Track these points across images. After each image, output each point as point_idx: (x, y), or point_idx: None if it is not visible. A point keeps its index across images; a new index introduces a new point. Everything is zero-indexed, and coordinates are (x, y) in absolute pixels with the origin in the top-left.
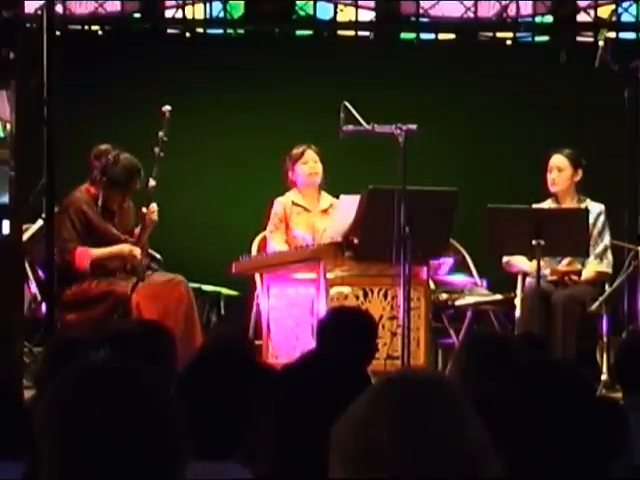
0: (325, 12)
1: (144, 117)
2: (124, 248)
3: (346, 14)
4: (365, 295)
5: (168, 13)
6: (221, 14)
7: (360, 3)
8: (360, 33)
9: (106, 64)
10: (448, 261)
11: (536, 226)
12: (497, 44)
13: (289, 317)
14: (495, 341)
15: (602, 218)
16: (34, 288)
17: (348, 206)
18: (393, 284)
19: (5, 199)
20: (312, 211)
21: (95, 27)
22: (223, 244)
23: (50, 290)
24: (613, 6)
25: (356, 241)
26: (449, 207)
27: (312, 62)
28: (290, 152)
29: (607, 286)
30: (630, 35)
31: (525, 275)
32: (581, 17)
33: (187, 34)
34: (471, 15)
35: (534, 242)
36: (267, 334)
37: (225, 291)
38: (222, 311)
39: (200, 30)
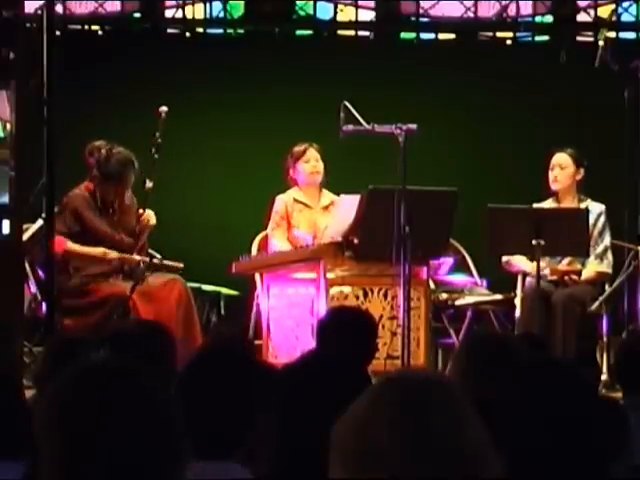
0: (325, 12)
1: (144, 117)
2: (97, 251)
3: (346, 14)
4: (365, 295)
5: (168, 13)
6: (221, 14)
7: (360, 3)
8: (360, 33)
9: (106, 64)
10: (448, 261)
11: (536, 226)
12: (497, 44)
13: (289, 317)
14: (495, 341)
15: (602, 218)
16: (34, 288)
17: (348, 206)
18: (393, 284)
19: (5, 199)
20: (313, 208)
21: (95, 27)
22: (223, 244)
23: (50, 290)
24: (613, 6)
25: (356, 241)
26: (449, 207)
27: (312, 62)
28: (291, 150)
29: (607, 286)
30: (630, 35)
31: (525, 275)
32: (581, 17)
33: (187, 34)
34: (471, 15)
35: (534, 242)
36: (267, 334)
37: (225, 291)
38: (222, 311)
39: (200, 30)
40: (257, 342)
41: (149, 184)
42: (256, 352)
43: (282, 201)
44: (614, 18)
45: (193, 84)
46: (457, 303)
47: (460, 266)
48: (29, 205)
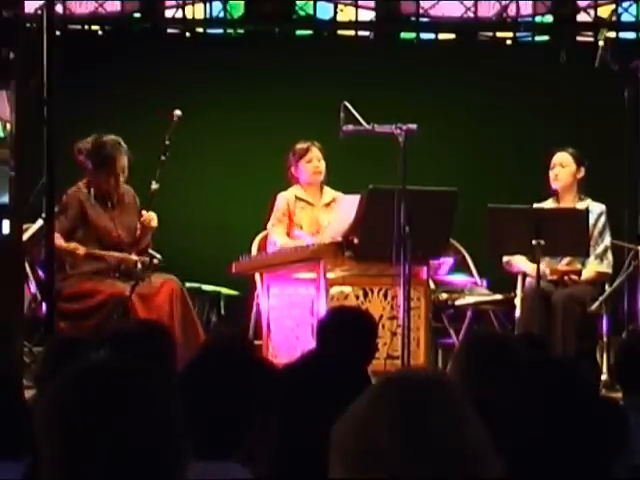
0: (325, 12)
1: (144, 117)
2: (69, 246)
3: (346, 14)
4: (365, 295)
5: (168, 13)
6: (221, 14)
7: (360, 3)
8: (360, 33)
9: (106, 64)
10: (448, 261)
11: (536, 226)
12: (497, 44)
13: (289, 317)
14: (495, 341)
15: (603, 219)
16: (34, 288)
17: (348, 206)
18: (393, 284)
19: (5, 199)
20: (315, 206)
21: (95, 27)
22: (223, 244)
23: (50, 290)
24: (613, 6)
25: (356, 241)
26: (449, 207)
27: (312, 62)
28: (293, 147)
29: (607, 286)
30: (630, 35)
31: (525, 275)
32: (581, 17)
33: (187, 34)
34: (471, 15)
35: (534, 242)
36: (267, 334)
37: (225, 291)
38: (222, 311)
39: (200, 30)
40: (257, 342)
41: (155, 186)
42: (256, 352)
43: (284, 198)
44: (614, 18)
45: (193, 84)
46: (457, 303)
47: (460, 266)
48: (29, 205)
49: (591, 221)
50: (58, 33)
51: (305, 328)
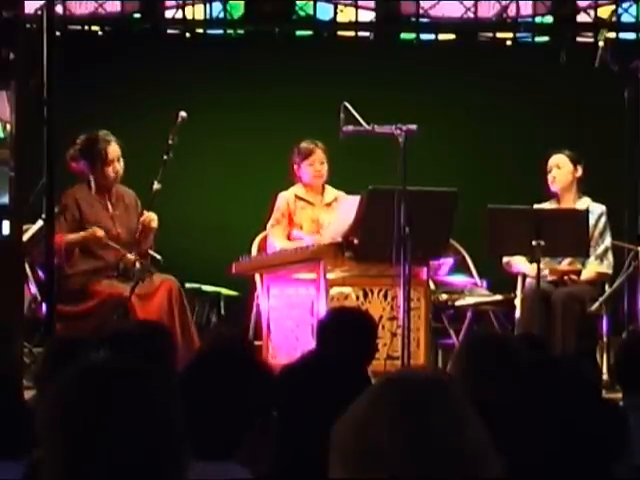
0: (325, 12)
1: (144, 117)
2: (87, 232)
3: (346, 14)
4: (365, 295)
5: (168, 13)
6: (221, 14)
7: (360, 3)
8: (360, 33)
9: (106, 64)
10: (448, 261)
11: (536, 226)
12: (497, 44)
13: (289, 317)
14: (495, 341)
15: (603, 219)
16: (34, 288)
17: (348, 206)
18: (393, 284)
19: (5, 199)
20: (316, 205)
21: (95, 27)
22: (223, 244)
23: (50, 290)
24: (613, 6)
25: (356, 241)
26: (449, 207)
27: (312, 62)
28: (298, 146)
29: (607, 286)
30: (630, 35)
31: (525, 276)
32: (581, 17)
33: (187, 34)
34: (471, 15)
35: (534, 242)
36: (267, 334)
37: (225, 291)
38: (222, 311)
39: (200, 30)
40: (257, 343)
41: (157, 186)
42: (256, 353)
43: (284, 198)
44: (614, 19)
45: (193, 84)
46: (457, 304)
47: (460, 267)
48: (29, 205)
49: (591, 222)
50: (58, 33)
51: (305, 329)
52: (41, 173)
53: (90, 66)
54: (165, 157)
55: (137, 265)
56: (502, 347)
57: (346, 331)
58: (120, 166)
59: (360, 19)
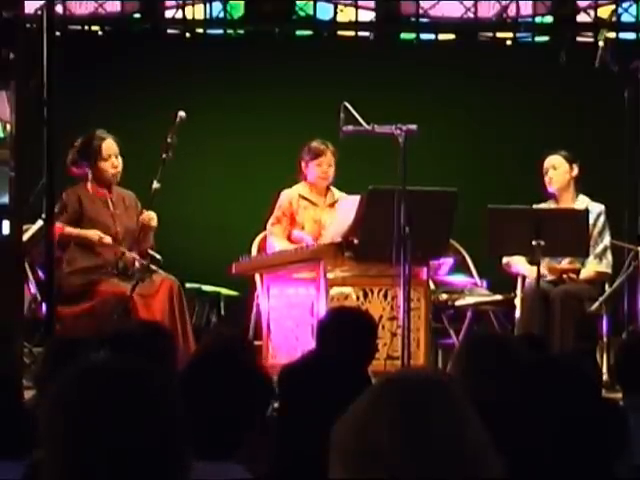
0: (325, 12)
1: (144, 117)
2: (93, 234)
3: (346, 14)
4: (365, 295)
5: (168, 13)
6: (221, 14)
7: (360, 3)
8: (360, 33)
9: (106, 64)
10: (448, 261)
11: (536, 226)
12: (497, 44)
13: (289, 317)
14: (495, 341)
15: (602, 218)
16: (34, 288)
17: (348, 207)
18: (393, 284)
19: (5, 199)
20: (319, 206)
21: (95, 27)
22: (223, 244)
23: (50, 290)
24: (613, 6)
25: (356, 241)
26: (449, 207)
27: (312, 62)
28: (309, 144)
29: (607, 286)
30: (630, 35)
31: (525, 276)
32: (581, 17)
33: (187, 34)
34: (471, 15)
35: (534, 242)
36: (267, 334)
37: (225, 291)
38: (222, 311)
39: (200, 30)
40: (257, 343)
41: (156, 185)
42: (256, 353)
43: (287, 196)
44: (614, 18)
45: (193, 84)
46: (457, 303)
47: (460, 266)
48: (29, 205)
49: (590, 221)
50: (58, 33)
51: (305, 329)
52: (41, 173)
53: (90, 66)
54: (164, 156)
55: (137, 264)
56: (502, 347)
57: (346, 331)
58: (119, 163)
59: (360, 19)
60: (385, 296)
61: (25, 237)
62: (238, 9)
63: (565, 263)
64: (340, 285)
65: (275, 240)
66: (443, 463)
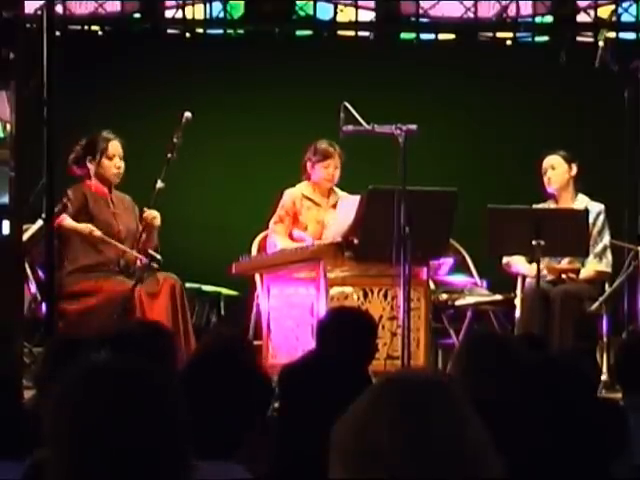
0: (325, 12)
1: (144, 117)
2: (84, 227)
3: (346, 14)
4: (365, 295)
5: (168, 13)
6: (221, 14)
7: (360, 3)
8: (360, 33)
9: (106, 64)
10: (448, 261)
11: (536, 226)
12: (497, 44)
13: (289, 317)
14: (495, 341)
15: (602, 218)
16: (34, 288)
17: (348, 206)
18: (393, 284)
19: (5, 199)
20: (322, 206)
21: (95, 27)
22: (223, 244)
23: (50, 290)
24: (613, 6)
25: (356, 241)
26: (449, 207)
27: (312, 62)
28: (316, 145)
29: (607, 286)
30: (630, 35)
31: (525, 276)
32: (581, 17)
33: (187, 34)
34: (471, 15)
35: (534, 242)
36: (267, 334)
37: (225, 291)
38: (222, 311)
39: (200, 30)
40: (257, 343)
41: (160, 184)
42: (256, 353)
43: (290, 196)
44: (614, 18)
45: (193, 85)
46: (457, 303)
47: (460, 266)
48: (29, 205)
49: (590, 220)
50: (58, 33)
51: (305, 328)
52: (41, 173)
53: (90, 66)
54: (169, 156)
55: (138, 263)
56: (502, 346)
57: (346, 331)
58: (121, 165)
59: (360, 19)
60: (385, 296)
61: (25, 237)
62: (238, 9)
63: (565, 263)
64: (340, 285)
65: (277, 239)
66: (443, 463)
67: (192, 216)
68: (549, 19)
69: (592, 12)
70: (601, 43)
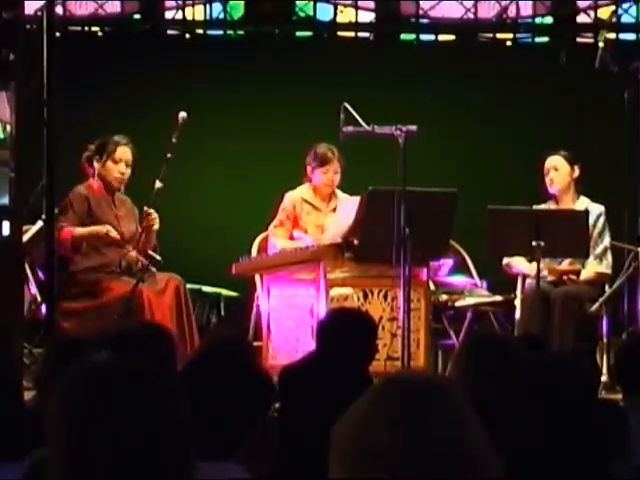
0: (325, 13)
1: (144, 118)
2: (100, 228)
3: (346, 15)
4: (365, 296)
5: (168, 14)
6: (221, 15)
7: (360, 4)
8: (360, 34)
9: (106, 65)
10: (448, 262)
11: (536, 227)
12: (497, 45)
13: (289, 318)
14: (495, 341)
15: (602, 219)
16: (34, 289)
17: (348, 207)
18: (393, 285)
19: (5, 200)
20: (322, 210)
21: (95, 28)
22: (223, 245)
23: (50, 291)
24: (613, 7)
25: (356, 242)
26: (449, 208)
27: (312, 63)
28: (316, 149)
29: (607, 287)
30: (630, 36)
31: (525, 276)
32: (581, 18)
33: (187, 35)
34: (471, 16)
35: (534, 243)
36: (267, 335)
37: (225, 292)
38: (222, 312)
39: (200, 31)
40: (257, 343)
41: (158, 185)
42: (256, 354)
43: (290, 199)
44: (614, 19)
45: (193, 85)
46: (457, 304)
47: (460, 267)
48: (29, 206)
49: (590, 222)
50: (58, 34)
51: (305, 329)
52: (41, 174)
53: (90, 67)
54: (169, 156)
55: (139, 264)
56: (502, 347)
57: (346, 332)
58: (126, 171)
59: (360, 20)
60: (385, 297)
61: (25, 238)
62: (238, 10)
63: (566, 264)
64: (340, 286)
65: (277, 242)
66: (443, 464)
67: (192, 217)
68: (549, 20)
69: (592, 13)
70: (601, 44)
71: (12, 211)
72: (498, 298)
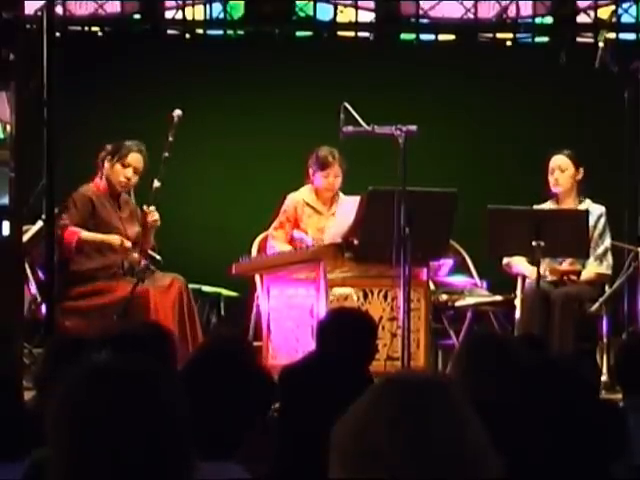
0: (325, 13)
1: (144, 118)
2: (115, 239)
3: (346, 15)
4: (365, 296)
5: (168, 14)
6: (221, 15)
7: (360, 4)
8: (360, 34)
9: (106, 65)
10: (448, 262)
11: (536, 227)
12: (497, 45)
13: (289, 318)
14: (495, 341)
15: (603, 220)
16: (34, 289)
17: (348, 207)
18: (393, 285)
19: (5, 200)
20: (323, 214)
21: (95, 28)
22: (223, 245)
23: (50, 291)
24: (613, 7)
25: (356, 242)
26: (449, 208)
27: (312, 63)
28: (317, 152)
29: (607, 287)
30: (630, 36)
31: (525, 276)
32: (581, 18)
33: (187, 35)
34: (471, 16)
35: (534, 243)
36: (267, 335)
37: (225, 292)
38: (222, 312)
39: (200, 31)
40: (257, 343)
41: (157, 184)
42: (256, 354)
43: (292, 202)
44: (614, 19)
45: (193, 85)
46: (457, 304)
47: (460, 267)
48: (29, 206)
49: (591, 222)
50: (58, 34)
51: (305, 329)
52: (41, 174)
53: (90, 67)
54: (166, 154)
55: (141, 264)
56: (502, 347)
57: (346, 332)
58: (132, 177)
59: (360, 20)
60: (385, 297)
61: (25, 238)
62: (238, 10)
63: (566, 264)
64: (340, 286)
65: (276, 244)
66: (443, 463)
67: (192, 217)
68: (549, 20)
69: (592, 13)
70: (601, 44)
71: (12, 211)
72: (498, 298)
